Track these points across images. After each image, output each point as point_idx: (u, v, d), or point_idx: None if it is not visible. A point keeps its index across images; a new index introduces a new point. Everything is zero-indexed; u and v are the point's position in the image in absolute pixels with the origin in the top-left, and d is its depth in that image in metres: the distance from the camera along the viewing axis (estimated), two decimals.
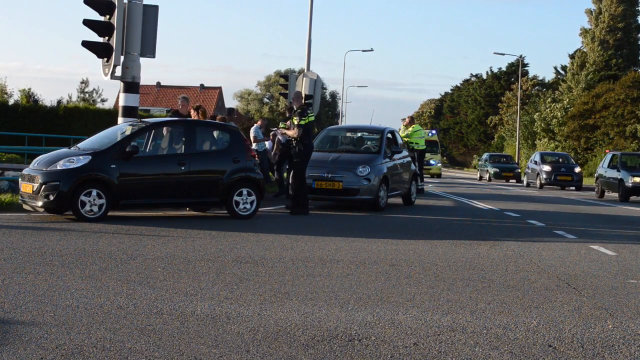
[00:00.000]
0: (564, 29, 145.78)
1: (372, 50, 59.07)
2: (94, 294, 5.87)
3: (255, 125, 20.47)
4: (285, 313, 5.46)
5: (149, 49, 13.98)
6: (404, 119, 22.77)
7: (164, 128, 12.58)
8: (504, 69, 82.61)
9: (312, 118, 14.09)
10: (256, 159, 13.20)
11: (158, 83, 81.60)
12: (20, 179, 11.70)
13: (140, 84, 14.49)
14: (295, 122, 13.70)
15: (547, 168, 31.92)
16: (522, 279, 7.38)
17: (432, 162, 40.32)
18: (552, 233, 12.08)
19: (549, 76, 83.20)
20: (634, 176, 23.20)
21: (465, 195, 22.82)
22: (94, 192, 10.90)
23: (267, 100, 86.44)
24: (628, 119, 48.94)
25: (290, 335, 4.87)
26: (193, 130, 12.30)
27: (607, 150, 31.15)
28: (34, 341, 4.49)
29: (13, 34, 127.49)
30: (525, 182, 34.55)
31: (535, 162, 33.27)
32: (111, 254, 7.87)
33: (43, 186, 10.81)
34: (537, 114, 59.45)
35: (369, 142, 16.65)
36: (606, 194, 25.56)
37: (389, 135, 16.50)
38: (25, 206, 11.35)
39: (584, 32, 62.33)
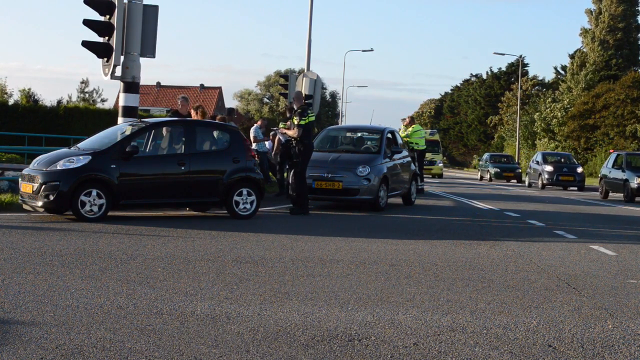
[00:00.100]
0: (564, 29, 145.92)
1: (372, 50, 59.17)
2: (94, 294, 5.87)
3: (255, 125, 20.46)
4: (285, 313, 5.46)
5: (149, 49, 13.98)
6: (404, 119, 22.77)
7: (164, 128, 12.58)
8: (504, 69, 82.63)
9: (313, 118, 14.08)
10: (256, 159, 13.20)
11: (158, 83, 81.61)
12: (20, 179, 11.70)
13: (140, 84, 14.49)
14: (296, 122, 13.70)
15: (549, 168, 31.64)
16: (522, 279, 7.38)
17: (433, 162, 40.10)
18: (552, 233, 12.08)
19: (549, 76, 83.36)
20: (639, 177, 22.84)
21: (465, 195, 22.82)
22: (94, 192, 10.91)
23: (267, 100, 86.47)
24: (628, 119, 48.96)
25: (290, 335, 4.87)
26: (193, 130, 12.30)
27: (611, 150, 30.68)
28: (34, 341, 4.49)
29: (13, 34, 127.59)
30: (527, 183, 34.30)
31: (537, 162, 32.99)
32: (111, 254, 7.87)
33: (43, 186, 10.81)
34: (537, 114, 59.46)
35: (369, 142, 16.65)
36: (610, 194, 25.24)
37: (389, 135, 16.50)
38: (25, 206, 11.36)
39: (584, 32, 62.33)
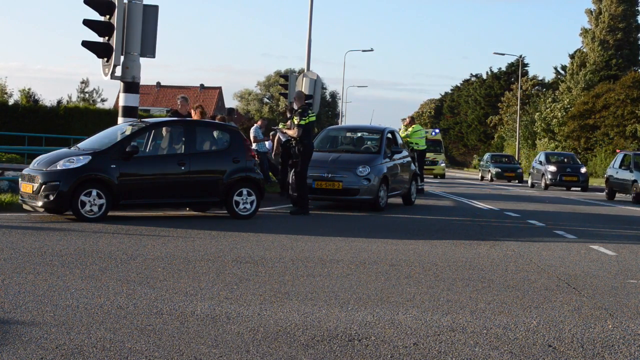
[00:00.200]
0: (564, 29, 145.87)
1: (372, 50, 59.20)
2: (94, 294, 5.87)
3: (255, 125, 20.48)
4: (285, 313, 5.46)
5: (149, 49, 13.98)
6: (404, 119, 22.77)
7: (164, 128, 12.58)
8: (504, 69, 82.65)
9: (314, 118, 14.06)
10: (256, 159, 13.20)
11: (158, 83, 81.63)
12: (20, 179, 11.70)
13: (140, 84, 14.48)
14: (296, 122, 13.70)
15: (552, 168, 31.10)
16: (522, 279, 7.38)
17: (435, 162, 39.79)
18: (552, 233, 12.08)
19: (549, 76, 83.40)
20: None
21: (465, 195, 22.82)
22: (94, 192, 10.91)
23: (267, 100, 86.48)
24: (628, 119, 48.97)
25: (290, 335, 4.87)
26: (193, 130, 12.31)
27: (617, 150, 29.95)
28: (34, 341, 4.49)
29: (13, 33, 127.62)
30: (529, 183, 33.65)
31: (540, 162, 32.46)
32: (111, 254, 7.87)
33: (43, 186, 10.81)
34: (537, 114, 59.47)
35: (369, 142, 16.66)
36: (617, 195, 24.58)
37: (389, 135, 16.50)
38: (25, 206, 11.36)
39: (584, 32, 62.35)
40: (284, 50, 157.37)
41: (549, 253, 9.51)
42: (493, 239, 10.91)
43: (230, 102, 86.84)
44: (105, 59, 13.90)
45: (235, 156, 12.38)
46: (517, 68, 67.70)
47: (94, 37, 13.92)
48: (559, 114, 56.57)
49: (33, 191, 10.92)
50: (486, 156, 43.99)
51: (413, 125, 21.32)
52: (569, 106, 55.89)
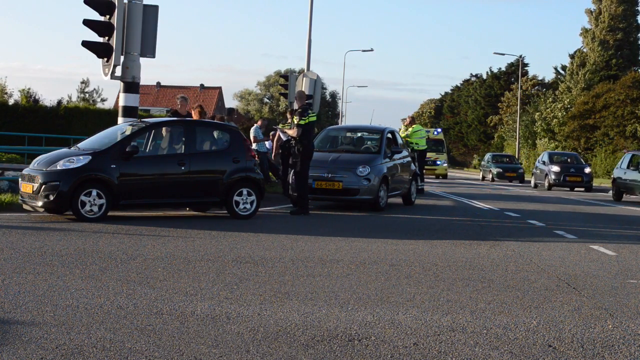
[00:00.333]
0: (564, 29, 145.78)
1: (372, 50, 59.20)
2: (94, 294, 5.87)
3: (255, 125, 20.48)
4: (285, 313, 5.46)
5: (149, 49, 13.98)
6: (404, 119, 22.77)
7: (164, 128, 12.58)
8: (504, 69, 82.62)
9: (314, 118, 14.02)
10: (256, 159, 13.20)
11: (158, 83, 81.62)
12: (20, 179, 11.70)
13: (140, 84, 14.48)
14: (295, 122, 13.70)
15: (555, 168, 30.56)
16: (522, 279, 7.38)
17: (437, 162, 39.34)
18: (552, 233, 12.07)
19: (549, 76, 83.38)
20: None
21: (465, 195, 22.82)
22: (94, 192, 10.91)
23: (267, 100, 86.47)
24: (628, 119, 48.97)
25: (290, 335, 4.87)
26: (193, 130, 12.31)
27: (625, 150, 29.14)
28: (34, 341, 4.49)
29: (14, 33, 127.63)
30: (532, 183, 33.00)
31: (544, 162, 31.91)
32: (111, 254, 7.87)
33: (43, 186, 10.81)
34: (537, 114, 59.45)
35: (369, 142, 16.66)
36: (624, 196, 23.97)
37: (389, 135, 16.50)
38: (25, 206, 11.36)
39: (584, 32, 62.34)
40: (284, 50, 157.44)
41: (549, 253, 9.51)
42: (493, 239, 10.91)
43: (230, 102, 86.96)
44: (105, 59, 13.90)
45: (235, 156, 12.38)
46: (517, 68, 67.69)
47: (94, 37, 13.94)
48: (559, 114, 56.56)
49: (33, 191, 10.92)
50: (487, 156, 43.76)
51: (413, 125, 21.31)
52: (569, 106, 55.88)
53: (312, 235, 10.31)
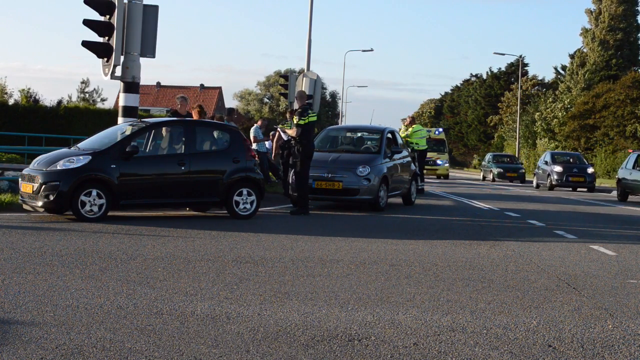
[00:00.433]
0: (564, 29, 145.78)
1: (372, 50, 59.17)
2: (94, 294, 5.87)
3: (255, 125, 20.48)
4: (285, 313, 5.46)
5: (149, 49, 13.98)
6: (404, 119, 22.77)
7: (164, 128, 12.58)
8: (503, 69, 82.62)
9: (314, 118, 14.00)
10: (256, 159, 13.21)
11: (158, 83, 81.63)
12: (20, 179, 11.70)
13: (140, 84, 14.48)
14: (295, 122, 13.70)
15: (558, 168, 30.25)
16: (522, 279, 7.38)
17: (439, 162, 39.03)
18: (552, 233, 12.07)
19: (549, 76, 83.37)
20: None
21: (466, 195, 22.82)
22: (94, 192, 10.91)
23: (267, 100, 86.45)
24: (628, 119, 48.97)
25: (290, 335, 4.87)
26: (193, 130, 12.31)
27: (630, 150, 28.60)
28: (34, 341, 4.49)
29: (14, 34, 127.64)
30: (534, 183, 32.69)
31: (546, 163, 31.61)
32: (111, 254, 7.87)
33: (43, 186, 10.81)
34: (537, 113, 59.45)
35: (369, 142, 16.65)
36: (630, 197, 23.65)
37: (389, 135, 16.50)
38: (25, 206, 11.36)
39: (584, 32, 62.35)
40: (284, 50, 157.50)
41: (549, 253, 9.51)
42: (493, 239, 10.91)
43: (230, 102, 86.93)
44: (105, 59, 13.90)
45: (235, 156, 12.38)
46: (517, 68, 67.69)
47: (94, 37, 13.94)
48: (560, 114, 56.56)
49: (33, 191, 10.92)
50: (488, 156, 43.59)
51: (413, 125, 21.31)
52: (569, 106, 55.89)
53: (312, 235, 10.31)
